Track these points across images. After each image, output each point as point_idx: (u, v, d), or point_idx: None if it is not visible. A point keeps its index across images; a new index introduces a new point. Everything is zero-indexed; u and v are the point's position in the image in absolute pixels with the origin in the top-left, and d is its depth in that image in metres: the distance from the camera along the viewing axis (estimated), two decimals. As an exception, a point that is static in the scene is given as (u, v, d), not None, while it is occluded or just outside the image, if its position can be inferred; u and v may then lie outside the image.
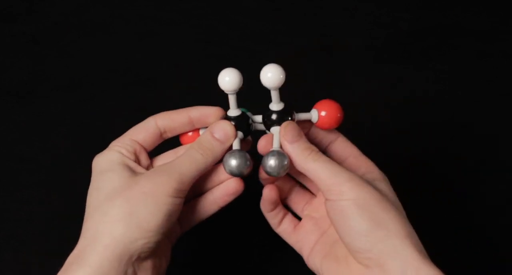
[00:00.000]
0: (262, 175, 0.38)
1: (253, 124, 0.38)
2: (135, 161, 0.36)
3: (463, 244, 0.49)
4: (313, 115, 0.37)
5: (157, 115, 0.38)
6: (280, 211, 0.39)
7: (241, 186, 0.37)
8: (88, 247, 0.32)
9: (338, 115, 0.37)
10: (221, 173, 0.37)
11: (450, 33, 0.67)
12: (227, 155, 0.35)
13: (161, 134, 0.38)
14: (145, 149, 0.38)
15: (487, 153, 0.56)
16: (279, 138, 0.36)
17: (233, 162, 0.35)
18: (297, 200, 0.41)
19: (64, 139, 0.56)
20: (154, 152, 0.39)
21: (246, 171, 0.35)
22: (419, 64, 0.64)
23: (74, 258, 0.32)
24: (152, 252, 0.33)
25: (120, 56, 0.64)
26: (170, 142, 0.39)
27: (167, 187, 0.33)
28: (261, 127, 0.38)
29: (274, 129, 0.36)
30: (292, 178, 0.41)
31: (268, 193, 0.38)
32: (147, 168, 0.37)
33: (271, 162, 0.34)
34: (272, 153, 0.35)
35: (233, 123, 0.36)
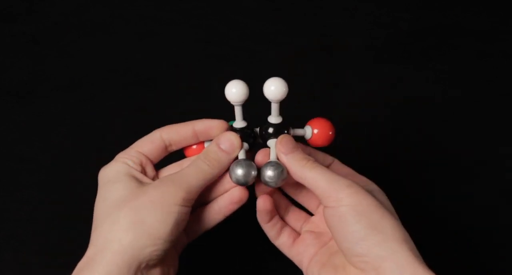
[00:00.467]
0: (260, 187, 0.38)
1: (258, 136, 0.39)
2: (142, 172, 0.37)
3: (462, 246, 0.49)
4: (307, 131, 0.39)
5: (162, 128, 0.38)
6: (277, 222, 0.40)
7: (246, 195, 0.38)
8: (97, 254, 0.32)
9: (330, 133, 0.39)
10: (225, 183, 0.38)
11: (450, 33, 0.67)
12: (233, 164, 0.36)
13: (166, 147, 0.38)
14: (151, 161, 0.38)
15: (487, 153, 0.56)
16: (275, 151, 0.36)
17: (239, 171, 0.35)
18: (295, 218, 0.41)
19: (64, 139, 0.56)
20: (159, 165, 0.39)
21: (252, 180, 0.36)
22: (419, 64, 0.64)
23: (83, 265, 0.32)
24: (160, 260, 0.34)
25: (120, 56, 0.64)
26: (175, 155, 0.40)
27: (175, 196, 0.34)
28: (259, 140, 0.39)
29: (271, 142, 0.37)
30: (287, 197, 0.41)
31: (263, 203, 0.38)
32: (153, 179, 0.38)
33: (269, 172, 0.35)
34: (270, 163, 0.35)
35: (238, 134, 0.37)
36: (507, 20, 0.69)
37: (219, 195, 0.38)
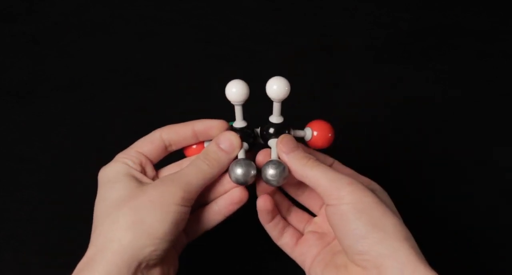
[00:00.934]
0: (261, 186, 0.38)
1: (259, 136, 0.39)
2: (141, 172, 0.37)
3: (462, 246, 0.49)
4: (307, 132, 0.39)
5: (162, 128, 0.38)
6: (279, 222, 0.40)
7: (246, 195, 0.38)
8: (97, 254, 0.32)
9: (330, 135, 0.39)
10: (225, 183, 0.38)
11: (450, 33, 0.68)
12: (233, 164, 0.36)
13: (166, 147, 0.38)
14: (150, 161, 0.38)
15: (487, 153, 0.56)
16: (276, 150, 0.36)
17: (239, 171, 0.35)
18: (298, 219, 0.41)
19: (64, 139, 0.56)
20: (159, 165, 0.39)
21: (251, 179, 0.36)
22: (419, 64, 0.64)
23: (83, 265, 0.32)
24: (160, 260, 0.34)
25: (120, 56, 0.64)
26: (175, 155, 0.40)
27: (174, 196, 0.34)
28: (260, 140, 0.39)
29: (272, 142, 0.37)
30: (289, 198, 0.41)
31: (263, 203, 0.38)
32: (153, 179, 0.38)
33: (271, 171, 0.35)
34: (271, 162, 0.35)
35: (238, 134, 0.37)
36: (507, 20, 0.69)
37: (219, 196, 0.38)
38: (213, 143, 0.37)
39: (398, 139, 0.57)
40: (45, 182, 0.52)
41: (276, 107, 0.37)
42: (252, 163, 0.36)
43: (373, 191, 0.35)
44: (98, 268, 0.31)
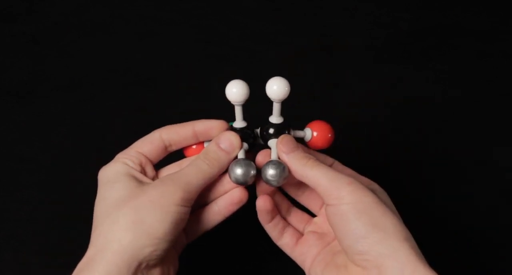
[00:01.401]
0: (261, 186, 0.38)
1: (258, 137, 0.39)
2: (141, 172, 0.37)
3: (462, 246, 0.49)
4: (307, 133, 0.39)
5: (162, 128, 0.38)
6: (279, 222, 0.40)
7: (245, 196, 0.38)
8: (97, 254, 0.32)
9: (329, 135, 0.39)
10: (225, 183, 0.38)
11: (450, 33, 0.68)
12: (232, 164, 0.36)
13: (166, 147, 0.38)
14: (150, 161, 0.38)
15: (487, 153, 0.56)
16: (276, 150, 0.36)
17: (238, 171, 0.35)
18: (298, 219, 0.41)
19: (64, 139, 0.56)
20: (159, 165, 0.39)
21: (251, 179, 0.36)
22: (419, 64, 0.64)
23: (83, 265, 0.32)
24: (160, 260, 0.34)
25: (120, 56, 0.64)
26: (175, 155, 0.40)
27: (174, 196, 0.34)
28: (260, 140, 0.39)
29: (272, 142, 0.37)
30: (289, 198, 0.41)
31: (263, 203, 0.38)
32: (153, 179, 0.38)
33: (271, 171, 0.35)
34: (272, 162, 0.35)
35: (238, 134, 0.37)
36: (507, 20, 0.69)
37: (219, 196, 0.38)
38: (213, 143, 0.37)
39: (398, 139, 0.57)
40: (45, 182, 0.52)
41: (276, 108, 0.37)
42: (252, 163, 0.36)
43: (373, 191, 0.35)
44: (98, 268, 0.31)
